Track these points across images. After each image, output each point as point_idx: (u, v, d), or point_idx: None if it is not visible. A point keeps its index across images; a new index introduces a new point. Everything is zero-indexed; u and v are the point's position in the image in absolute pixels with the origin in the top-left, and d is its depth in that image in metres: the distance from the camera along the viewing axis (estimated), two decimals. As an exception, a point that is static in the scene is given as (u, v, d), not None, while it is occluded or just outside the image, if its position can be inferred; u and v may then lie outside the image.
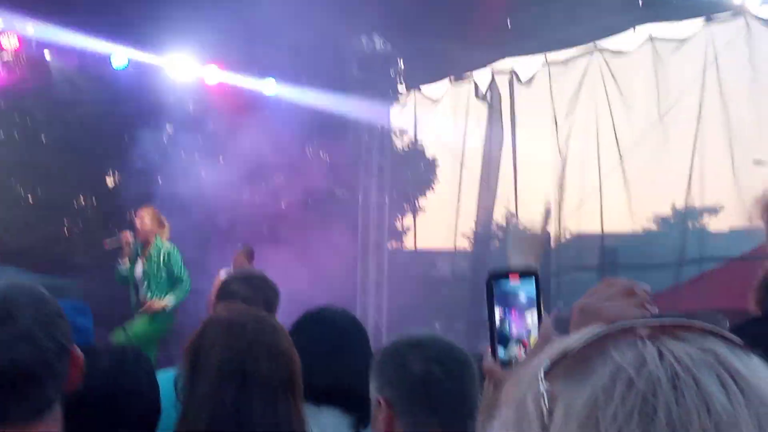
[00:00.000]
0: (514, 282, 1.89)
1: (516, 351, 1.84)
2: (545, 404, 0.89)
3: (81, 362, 2.04)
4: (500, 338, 1.85)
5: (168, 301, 9.64)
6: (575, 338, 0.94)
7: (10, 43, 13.28)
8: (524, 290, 1.88)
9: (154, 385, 2.67)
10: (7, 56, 18.58)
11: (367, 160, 16.45)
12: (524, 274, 1.89)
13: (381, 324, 15.47)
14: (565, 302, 12.17)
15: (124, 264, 9.67)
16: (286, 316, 3.70)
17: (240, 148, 18.93)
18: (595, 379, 0.88)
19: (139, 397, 2.53)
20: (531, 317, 1.86)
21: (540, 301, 1.88)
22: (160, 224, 9.82)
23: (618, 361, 0.89)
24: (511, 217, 19.14)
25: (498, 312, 1.86)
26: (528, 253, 2.23)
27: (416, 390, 2.34)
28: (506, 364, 1.83)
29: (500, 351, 1.85)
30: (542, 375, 0.91)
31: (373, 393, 2.39)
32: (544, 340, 1.66)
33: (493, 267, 1.93)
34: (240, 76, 14.77)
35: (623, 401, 0.86)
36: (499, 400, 0.93)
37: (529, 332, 1.84)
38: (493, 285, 1.89)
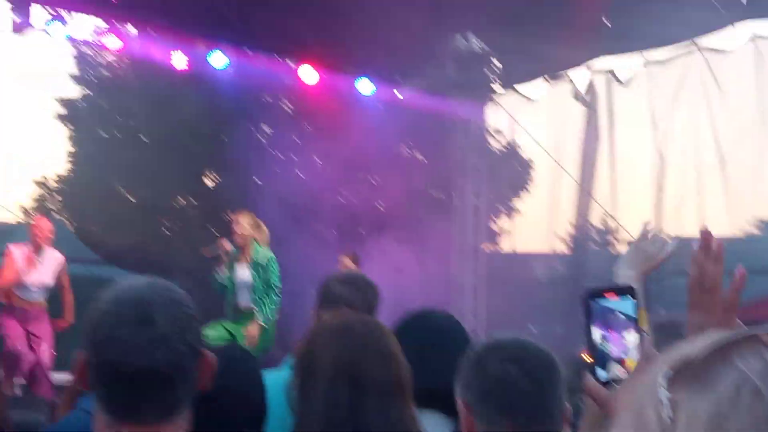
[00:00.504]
0: (611, 300, 1.85)
1: (616, 370, 1.80)
2: (667, 412, 0.87)
3: (212, 365, 2.06)
4: (599, 358, 1.82)
5: (262, 318, 9.63)
6: (696, 346, 0.91)
7: (113, 44, 13.56)
8: (622, 308, 1.84)
9: (261, 386, 2.70)
10: (109, 57, 18.98)
11: (463, 161, 16.39)
12: (621, 292, 1.85)
13: (478, 328, 15.42)
14: (666, 308, 11.99)
15: (222, 272, 9.68)
16: (383, 318, 3.70)
17: (336, 149, 19.06)
18: (719, 388, 0.86)
19: (246, 398, 2.56)
20: (630, 336, 1.82)
21: (638, 320, 1.84)
22: (258, 229, 9.79)
23: (743, 369, 0.87)
24: (609, 218, 18.95)
25: (596, 331, 1.83)
26: (643, 266, 2.19)
27: (490, 391, 2.32)
28: (606, 384, 1.79)
29: (599, 371, 1.81)
30: (663, 383, 0.89)
31: (457, 395, 2.40)
32: (645, 359, 1.62)
33: (589, 286, 1.89)
34: (337, 76, 14.84)
35: (750, 411, 0.84)
36: (603, 418, 0.91)
37: (627, 351, 1.80)
38: (590, 303, 1.85)
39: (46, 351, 10.16)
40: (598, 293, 1.86)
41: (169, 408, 1.99)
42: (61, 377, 11.45)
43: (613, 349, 1.82)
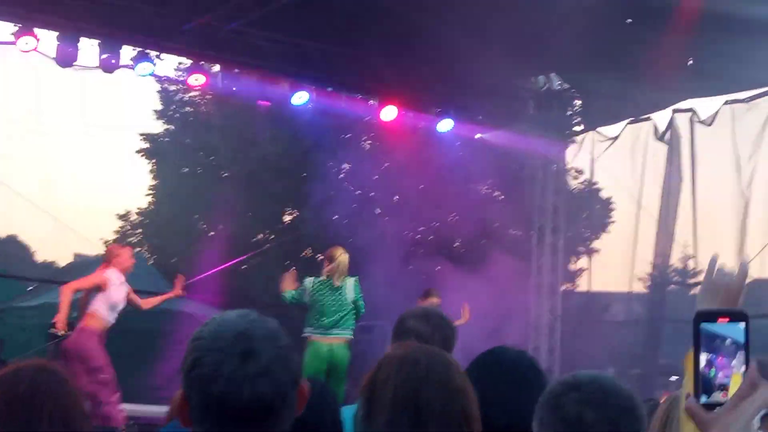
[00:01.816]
0: (722, 325, 1.83)
1: (719, 396, 1.77)
2: None
3: (307, 393, 2.11)
4: (704, 382, 1.79)
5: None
6: None
7: (197, 80, 13.76)
8: (731, 334, 1.82)
9: (337, 421, 2.70)
10: (193, 94, 19.27)
11: (542, 200, 16.31)
12: (734, 318, 1.83)
13: (553, 367, 15.26)
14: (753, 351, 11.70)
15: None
16: (461, 355, 3.69)
17: (415, 186, 19.09)
18: None
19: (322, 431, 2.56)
20: (738, 362, 1.79)
21: (749, 347, 1.81)
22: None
23: None
24: (690, 259, 18.65)
25: (702, 355, 1.80)
26: (722, 299, 2.15)
27: None
28: (709, 407, 1.76)
29: (702, 395, 1.78)
30: (758, 423, 0.87)
31: None
32: (750, 385, 1.59)
33: (701, 309, 1.87)
34: (417, 114, 14.88)
35: None
36: None
37: (732, 377, 1.78)
38: (700, 327, 1.84)
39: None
40: (711, 317, 1.84)
41: None
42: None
43: (718, 375, 1.80)
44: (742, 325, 1.83)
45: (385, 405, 2.51)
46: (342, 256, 9.92)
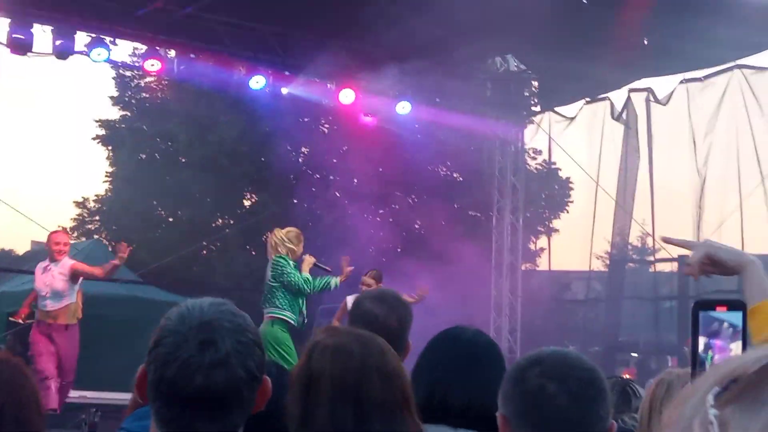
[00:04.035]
0: (720, 313, 1.87)
1: None
2: (715, 431, 0.84)
3: (268, 390, 2.09)
4: (701, 366, 1.83)
5: None
6: (745, 362, 0.88)
7: (153, 66, 13.64)
8: (730, 320, 1.87)
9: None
10: (149, 80, 19.14)
11: (501, 181, 16.36)
12: (732, 307, 1.87)
13: (515, 346, 15.35)
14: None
15: None
16: (418, 335, 3.70)
17: (374, 169, 19.08)
18: None
19: (279, 417, 2.54)
20: (736, 347, 1.82)
21: (746, 335, 1.85)
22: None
23: None
24: (647, 237, 18.81)
25: (701, 340, 1.84)
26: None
27: (527, 406, 2.26)
28: None
29: None
30: (712, 400, 0.86)
31: (498, 410, 2.35)
32: None
33: (700, 298, 1.93)
34: (374, 98, 14.85)
35: None
36: None
37: None
38: (699, 314, 1.87)
39: (65, 375, 10.20)
40: (708, 305, 1.89)
41: (222, 430, 2.02)
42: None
43: (716, 359, 1.82)
44: (740, 313, 1.86)
45: (324, 399, 2.48)
46: (274, 231, 9.81)
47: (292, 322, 9.45)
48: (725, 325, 1.85)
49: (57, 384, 9.98)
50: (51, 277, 10.18)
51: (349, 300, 9.58)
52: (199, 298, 2.10)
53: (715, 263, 2.47)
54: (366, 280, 10.92)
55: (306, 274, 9.53)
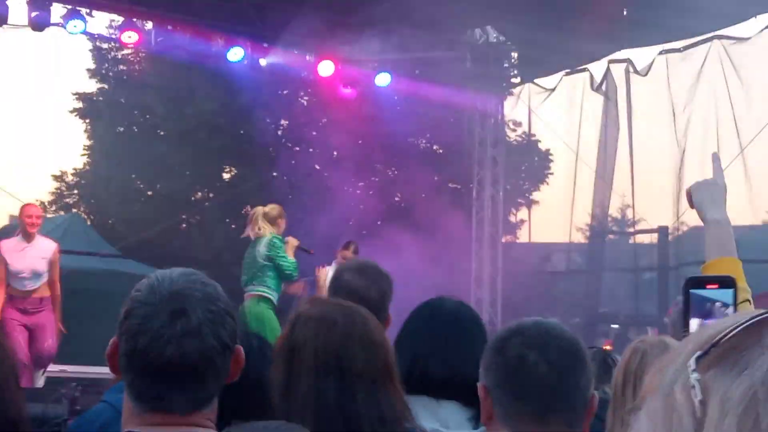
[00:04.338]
0: (711, 290, 1.90)
1: None
2: (697, 396, 0.83)
3: (241, 359, 2.08)
4: None
5: None
6: (726, 325, 0.87)
7: (130, 38, 13.54)
8: (721, 298, 1.89)
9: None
10: (126, 52, 18.99)
11: (481, 153, 16.37)
12: (723, 285, 1.90)
13: (495, 318, 15.39)
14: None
15: None
16: (399, 308, 3.68)
17: (353, 141, 19.04)
18: (752, 370, 0.82)
19: (263, 388, 2.54)
20: None
21: (737, 308, 1.90)
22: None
23: None
24: (627, 209, 18.86)
25: (693, 320, 1.86)
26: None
27: (508, 375, 2.25)
28: None
29: None
30: (692, 364, 0.85)
31: (480, 380, 2.35)
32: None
33: (691, 276, 1.95)
34: (353, 69, 14.80)
35: None
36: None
37: None
38: (690, 293, 1.89)
39: (44, 343, 10.14)
40: (700, 283, 1.91)
41: (197, 400, 2.01)
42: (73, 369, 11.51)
43: None
44: (731, 291, 1.89)
45: (307, 370, 2.49)
46: (257, 209, 9.80)
47: (275, 303, 9.53)
48: (717, 304, 1.87)
49: (30, 363, 9.95)
50: (31, 260, 10.09)
51: (323, 272, 9.62)
52: (171, 269, 2.08)
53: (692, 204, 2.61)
54: (344, 254, 10.91)
55: (292, 258, 9.57)
